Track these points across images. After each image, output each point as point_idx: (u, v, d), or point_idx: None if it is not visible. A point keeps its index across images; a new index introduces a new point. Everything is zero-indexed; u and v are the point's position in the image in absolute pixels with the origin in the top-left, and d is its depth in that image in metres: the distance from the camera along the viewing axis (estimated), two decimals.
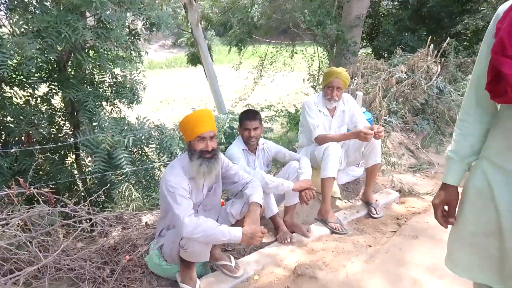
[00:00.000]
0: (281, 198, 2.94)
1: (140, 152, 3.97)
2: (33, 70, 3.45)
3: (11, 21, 3.26)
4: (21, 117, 3.52)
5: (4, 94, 3.56)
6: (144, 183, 3.89)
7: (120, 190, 3.21)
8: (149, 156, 4.05)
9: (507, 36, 1.03)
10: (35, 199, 3.13)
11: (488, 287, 1.29)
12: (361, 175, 3.76)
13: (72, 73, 3.90)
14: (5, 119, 3.58)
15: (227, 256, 2.41)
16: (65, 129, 4.09)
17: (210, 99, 12.13)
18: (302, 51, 10.01)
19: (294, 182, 2.68)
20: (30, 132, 3.50)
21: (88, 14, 3.62)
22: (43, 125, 3.69)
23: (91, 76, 3.94)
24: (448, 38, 6.46)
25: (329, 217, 2.95)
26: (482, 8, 8.04)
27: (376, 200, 3.26)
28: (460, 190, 1.34)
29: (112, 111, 4.10)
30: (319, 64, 9.72)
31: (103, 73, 3.87)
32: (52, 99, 3.89)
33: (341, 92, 3.15)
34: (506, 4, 1.10)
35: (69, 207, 2.37)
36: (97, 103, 3.66)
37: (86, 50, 3.68)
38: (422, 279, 2.24)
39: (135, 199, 3.11)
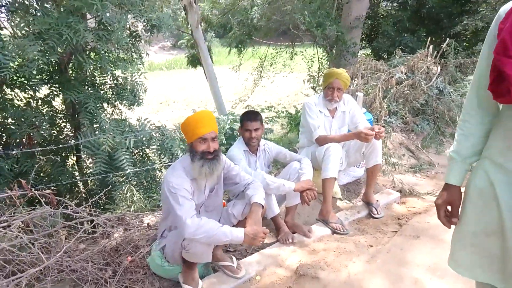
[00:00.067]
0: (282, 199, 2.95)
1: (141, 153, 3.98)
2: (34, 72, 3.47)
3: (12, 23, 3.27)
4: (22, 119, 3.52)
5: (5, 96, 3.57)
6: (145, 184, 3.90)
7: (121, 192, 3.22)
8: (150, 158, 4.06)
9: (510, 37, 1.04)
10: (36, 201, 3.14)
11: (491, 286, 1.30)
12: (362, 176, 3.77)
13: (73, 75, 3.91)
14: (6, 121, 3.58)
15: (229, 257, 2.41)
16: (66, 131, 4.10)
17: (210, 101, 12.14)
18: (302, 52, 10.04)
19: (295, 182, 2.69)
20: (31, 134, 3.51)
21: (88, 16, 3.63)
22: (44, 127, 3.69)
23: (92, 78, 3.95)
24: (448, 39, 6.47)
25: (330, 218, 2.95)
26: (481, 9, 8.05)
27: (377, 200, 3.26)
28: (462, 190, 1.35)
29: (113, 112, 4.11)
30: (319, 65, 9.74)
31: (104, 75, 3.89)
32: (53, 101, 3.90)
33: (341, 93, 3.16)
34: (507, 5, 1.11)
35: (71, 209, 2.37)
36: (98, 105, 3.66)
37: (87, 52, 3.69)
38: (423, 279, 2.24)
39: (136, 200, 3.12)
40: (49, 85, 3.80)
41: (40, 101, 3.82)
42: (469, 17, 7.87)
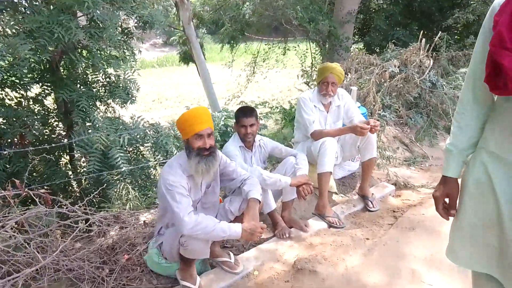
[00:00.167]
0: (278, 194, 2.95)
1: (135, 151, 3.96)
2: (25, 71, 3.43)
3: (1, 22, 3.22)
4: (13, 118, 3.48)
5: None
6: (140, 182, 3.88)
7: (116, 190, 3.20)
8: (144, 155, 4.03)
9: (506, 29, 1.04)
10: (29, 201, 3.11)
11: (487, 276, 1.31)
12: (357, 170, 3.79)
13: (65, 73, 3.87)
14: None
15: (226, 252, 2.41)
16: (59, 130, 4.06)
17: (203, 98, 12.11)
18: (295, 47, 10.03)
19: (291, 177, 2.69)
20: (23, 133, 3.47)
21: (79, 13, 3.59)
22: (36, 127, 3.66)
23: (84, 76, 3.91)
24: (440, 32, 6.51)
25: (326, 212, 2.96)
26: (472, 2, 8.11)
27: (372, 193, 3.28)
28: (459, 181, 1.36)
29: (106, 111, 4.07)
30: (312, 60, 9.74)
31: (96, 73, 3.84)
32: (44, 100, 3.85)
33: (336, 87, 3.16)
34: None
35: (67, 208, 2.35)
36: (90, 103, 3.63)
37: (79, 50, 3.65)
38: (420, 270, 2.26)
39: (132, 198, 3.10)
40: (40, 84, 3.76)
41: (31, 100, 3.77)
42: (460, 10, 7.94)
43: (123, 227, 2.73)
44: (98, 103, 3.91)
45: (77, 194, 3.68)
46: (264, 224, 2.11)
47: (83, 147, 3.33)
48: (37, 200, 2.32)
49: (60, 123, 4.04)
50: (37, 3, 3.37)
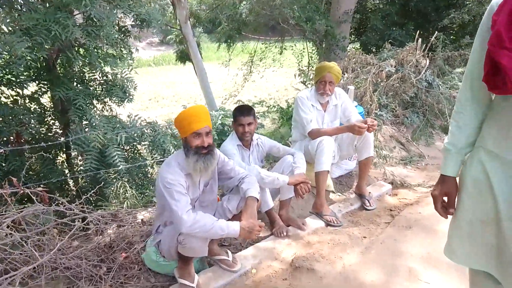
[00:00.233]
0: (276, 193, 2.96)
1: (132, 150, 3.94)
2: (22, 69, 3.40)
3: None
4: (9, 117, 3.46)
5: None
6: (137, 180, 3.86)
7: (113, 188, 3.19)
8: (142, 154, 4.02)
9: (504, 28, 1.05)
10: (26, 199, 3.10)
11: (484, 274, 1.32)
12: (354, 168, 3.80)
13: (62, 71, 3.85)
14: None
15: (224, 251, 2.42)
16: (55, 128, 4.04)
17: (200, 96, 12.08)
18: (292, 47, 10.03)
19: (289, 176, 2.70)
20: (20, 131, 3.45)
21: (76, 11, 3.57)
22: (32, 125, 3.64)
23: (81, 75, 3.90)
24: (436, 32, 6.54)
25: (324, 210, 2.97)
26: (467, 2, 8.16)
27: (370, 192, 3.30)
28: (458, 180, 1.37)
29: (103, 109, 4.06)
30: (309, 60, 9.76)
31: (93, 71, 3.83)
32: (41, 98, 3.83)
33: (333, 86, 3.17)
34: None
35: (64, 206, 2.35)
36: (87, 102, 3.61)
37: (76, 48, 3.63)
38: (417, 268, 2.28)
39: (129, 196, 3.10)
40: (37, 82, 3.73)
41: (28, 98, 3.75)
42: (456, 10, 7.98)
43: (121, 226, 2.72)
44: (95, 102, 3.89)
45: (74, 192, 3.67)
46: (262, 223, 2.12)
47: (80, 145, 3.32)
48: (34, 198, 2.31)
49: (56, 121, 4.01)
50: (33, 1, 3.35)
